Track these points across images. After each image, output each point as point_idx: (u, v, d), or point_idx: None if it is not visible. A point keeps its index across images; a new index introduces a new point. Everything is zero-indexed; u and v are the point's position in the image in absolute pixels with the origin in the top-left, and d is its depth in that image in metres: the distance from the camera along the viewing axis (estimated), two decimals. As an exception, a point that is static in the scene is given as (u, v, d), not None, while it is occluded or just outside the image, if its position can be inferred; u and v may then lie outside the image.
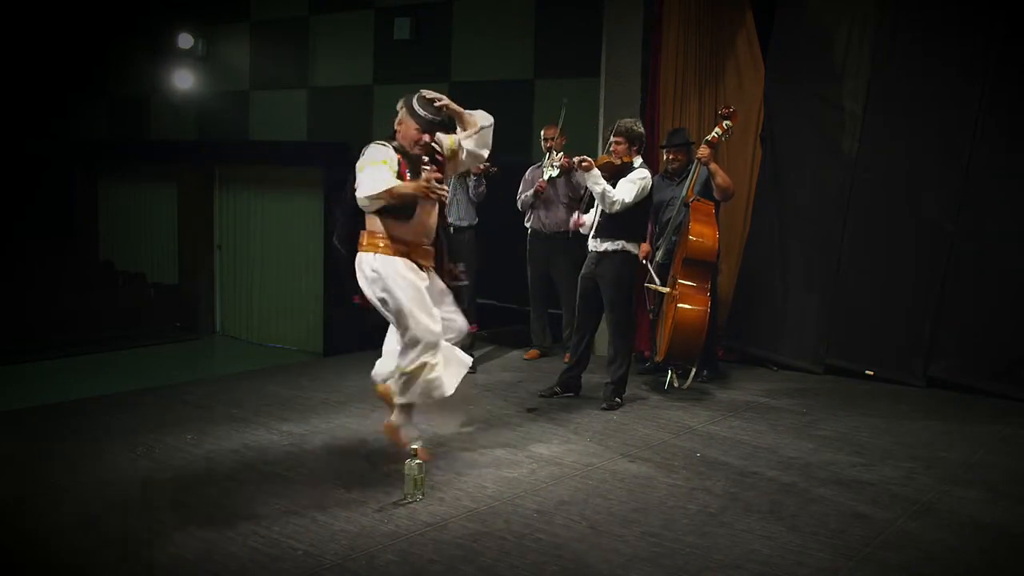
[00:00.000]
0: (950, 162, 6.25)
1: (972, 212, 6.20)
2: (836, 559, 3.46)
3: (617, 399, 5.70)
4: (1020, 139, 6.03)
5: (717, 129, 6.00)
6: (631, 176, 5.54)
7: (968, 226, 6.20)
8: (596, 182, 5.47)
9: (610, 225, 5.59)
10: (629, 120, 5.70)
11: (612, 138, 5.64)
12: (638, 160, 5.63)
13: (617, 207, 5.49)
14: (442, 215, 4.59)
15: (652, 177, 5.69)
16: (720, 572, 3.35)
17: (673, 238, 6.11)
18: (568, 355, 6.25)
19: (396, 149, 4.32)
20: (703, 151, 5.98)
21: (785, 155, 6.93)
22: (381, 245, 4.35)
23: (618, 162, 5.58)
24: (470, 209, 6.89)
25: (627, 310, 5.77)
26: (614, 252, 5.60)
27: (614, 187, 5.51)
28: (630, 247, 5.63)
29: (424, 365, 4.30)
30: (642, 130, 5.69)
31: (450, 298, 4.61)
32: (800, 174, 6.88)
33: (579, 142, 6.96)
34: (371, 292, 4.37)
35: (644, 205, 5.68)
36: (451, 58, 9.52)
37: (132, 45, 12.80)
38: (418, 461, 4.01)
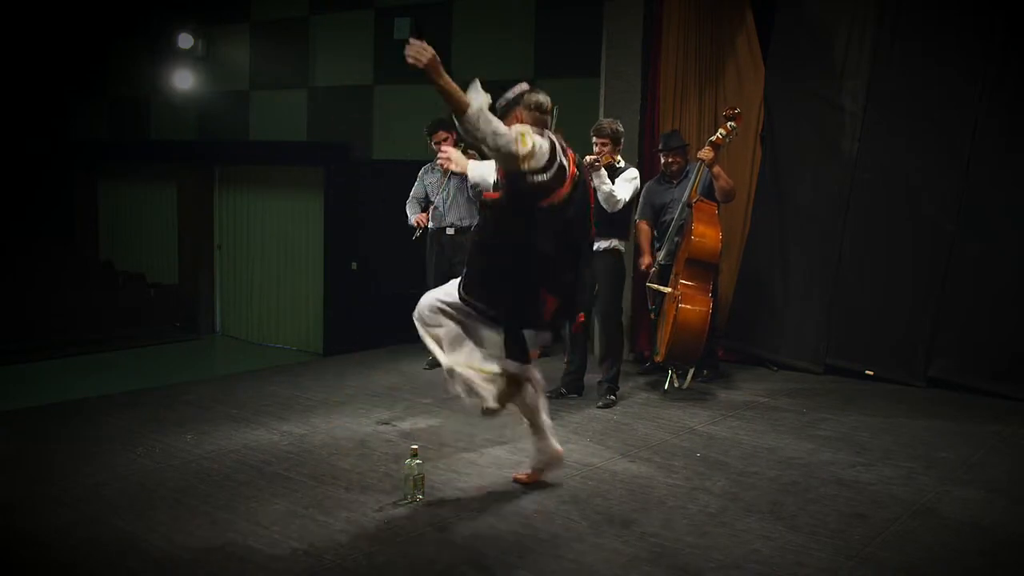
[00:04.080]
0: (950, 162, 6.25)
1: (972, 212, 6.19)
2: (836, 559, 3.46)
3: (612, 397, 5.73)
4: (1020, 139, 6.03)
5: (721, 130, 5.96)
6: (625, 176, 5.73)
7: (968, 226, 6.20)
8: (604, 181, 5.55)
9: (605, 224, 5.64)
10: (609, 120, 5.83)
11: (597, 140, 5.76)
12: (620, 160, 5.77)
13: (620, 206, 5.64)
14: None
15: (642, 179, 5.87)
16: (720, 572, 3.35)
17: (676, 239, 6.10)
18: (567, 355, 6.25)
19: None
20: (706, 152, 5.93)
21: (785, 155, 6.93)
22: None
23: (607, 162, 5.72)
24: (471, 209, 6.88)
25: (618, 306, 5.91)
26: (609, 250, 5.74)
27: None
28: (620, 245, 5.82)
29: None
30: (622, 129, 5.82)
31: None
32: (800, 174, 6.87)
33: (579, 142, 6.94)
34: None
35: (630, 204, 5.87)
36: (451, 58, 9.50)
37: (132, 45, 12.77)
38: (418, 461, 4.01)
